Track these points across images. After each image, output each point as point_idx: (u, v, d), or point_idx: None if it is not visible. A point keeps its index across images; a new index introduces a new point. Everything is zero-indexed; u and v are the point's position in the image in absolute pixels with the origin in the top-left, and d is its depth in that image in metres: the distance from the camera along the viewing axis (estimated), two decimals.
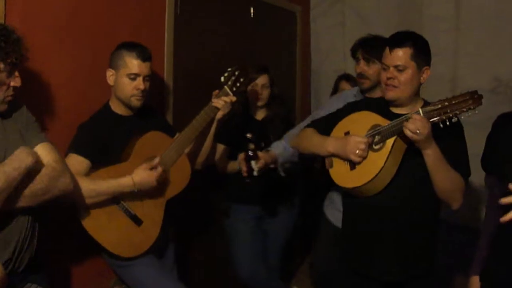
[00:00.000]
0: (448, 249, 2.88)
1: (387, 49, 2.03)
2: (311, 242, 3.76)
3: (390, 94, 2.03)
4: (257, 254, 2.91)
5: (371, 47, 2.50)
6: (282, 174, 2.68)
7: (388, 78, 2.01)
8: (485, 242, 1.93)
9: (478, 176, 2.15)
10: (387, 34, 2.17)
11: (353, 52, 2.63)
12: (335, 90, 3.55)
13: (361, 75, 2.53)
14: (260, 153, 2.41)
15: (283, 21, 3.91)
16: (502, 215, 1.66)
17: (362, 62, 2.53)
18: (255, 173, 2.35)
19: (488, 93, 2.83)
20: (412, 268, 2.06)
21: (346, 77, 3.54)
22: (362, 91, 2.56)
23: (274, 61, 3.62)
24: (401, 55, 1.98)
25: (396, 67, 1.99)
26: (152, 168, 2.08)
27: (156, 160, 2.10)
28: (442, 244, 2.30)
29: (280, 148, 2.61)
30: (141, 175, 2.04)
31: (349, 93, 2.66)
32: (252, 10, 3.52)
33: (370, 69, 2.49)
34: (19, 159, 1.57)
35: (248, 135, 2.41)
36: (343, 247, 2.23)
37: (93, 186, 1.98)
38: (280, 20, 3.86)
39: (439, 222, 2.13)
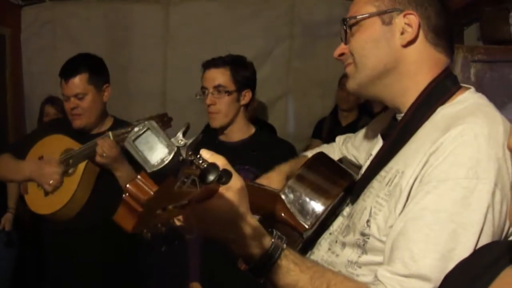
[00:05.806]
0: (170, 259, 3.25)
1: (63, 80, 2.00)
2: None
3: (77, 123, 2.04)
4: None
5: None
6: None
7: (72, 108, 2.01)
8: (196, 250, 2.10)
9: None
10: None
11: None
12: (41, 114, 3.38)
13: None
14: None
15: None
16: None
17: None
18: None
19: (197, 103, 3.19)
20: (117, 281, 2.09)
21: (50, 101, 3.35)
22: None
23: None
24: (77, 83, 1.97)
25: (75, 96, 1.98)
26: None
27: None
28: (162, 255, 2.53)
29: None
30: None
31: None
32: None
33: None
34: None
35: None
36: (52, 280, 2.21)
37: None
38: None
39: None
